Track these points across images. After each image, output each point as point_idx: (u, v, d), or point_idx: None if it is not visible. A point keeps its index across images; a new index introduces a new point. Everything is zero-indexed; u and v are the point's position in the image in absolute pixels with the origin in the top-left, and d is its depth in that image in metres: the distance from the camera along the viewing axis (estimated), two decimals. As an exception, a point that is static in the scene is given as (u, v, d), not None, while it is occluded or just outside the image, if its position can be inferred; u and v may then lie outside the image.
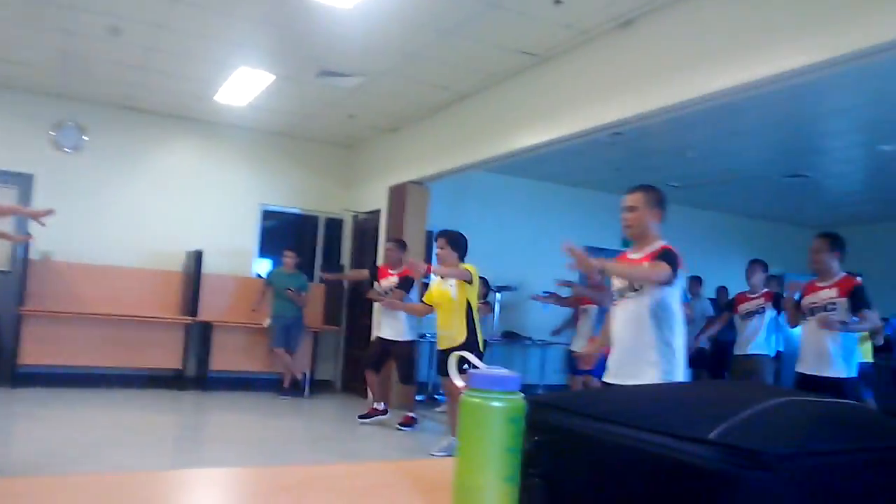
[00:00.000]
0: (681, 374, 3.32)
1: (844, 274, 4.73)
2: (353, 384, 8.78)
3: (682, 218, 8.31)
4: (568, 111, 5.45)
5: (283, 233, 9.36)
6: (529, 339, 9.63)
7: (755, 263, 6.66)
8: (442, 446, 5.64)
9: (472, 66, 6.07)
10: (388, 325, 6.57)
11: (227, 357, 8.35)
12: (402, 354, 6.58)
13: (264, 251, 9.11)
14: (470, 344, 5.15)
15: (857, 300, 4.57)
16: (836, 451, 0.72)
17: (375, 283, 7.02)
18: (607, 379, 3.44)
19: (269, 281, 8.31)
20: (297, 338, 8.24)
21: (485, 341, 5.61)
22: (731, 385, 0.97)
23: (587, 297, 7.37)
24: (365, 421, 6.68)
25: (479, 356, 5.07)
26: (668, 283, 3.22)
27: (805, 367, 4.73)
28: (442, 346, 5.41)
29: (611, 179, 9.58)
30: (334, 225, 9.42)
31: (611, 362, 3.46)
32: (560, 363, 9.91)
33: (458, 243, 5.42)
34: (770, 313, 6.43)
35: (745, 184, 9.19)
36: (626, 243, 10.55)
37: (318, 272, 9.19)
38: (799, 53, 3.82)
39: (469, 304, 5.25)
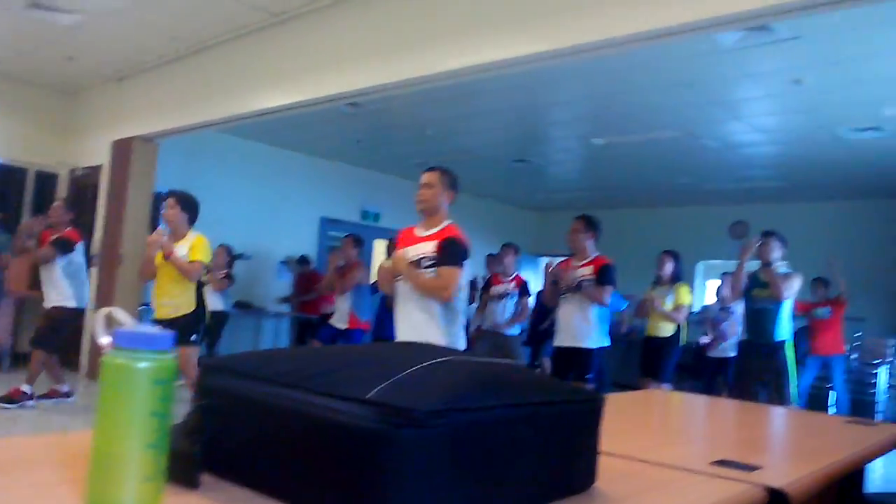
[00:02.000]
0: (462, 338, 3.61)
1: (598, 254, 5.06)
2: (64, 357, 8.00)
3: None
4: (304, 76, 5.36)
5: (-17, 185, 8.22)
6: (263, 309, 9.43)
7: (508, 246, 7.00)
8: None
9: (207, 18, 5.73)
10: (46, 292, 5.80)
11: None
12: (47, 317, 5.80)
13: (-42, 204, 7.95)
14: (197, 316, 4.85)
15: (602, 276, 4.92)
16: (484, 406, 0.74)
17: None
18: None
19: (-38, 239, 7.28)
20: (-6, 304, 7.32)
21: (211, 314, 5.29)
22: (401, 346, 0.97)
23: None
24: (44, 402, 5.85)
25: (203, 329, 4.85)
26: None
27: (561, 340, 5.07)
28: (160, 314, 4.93)
29: (352, 151, 9.64)
30: (47, 179, 8.44)
31: (399, 333, 3.60)
32: (291, 335, 9.86)
33: (189, 205, 4.97)
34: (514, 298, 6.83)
35: (477, 164, 9.70)
36: (365, 215, 10.62)
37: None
38: (524, 43, 4.08)
39: None
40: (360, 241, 6.89)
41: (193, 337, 4.86)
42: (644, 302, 6.70)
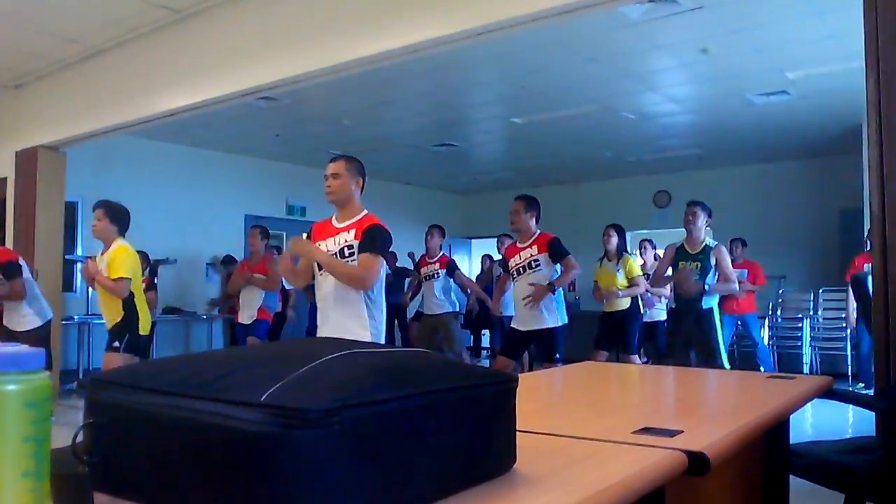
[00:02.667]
0: (383, 329, 3.59)
1: (540, 232, 5.05)
2: None
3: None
4: (213, 73, 5.21)
5: None
6: (194, 313, 9.20)
7: (433, 228, 6.98)
8: None
9: (105, 19, 5.49)
10: (8, 318, 5.59)
11: None
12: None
13: None
14: (127, 323, 4.64)
15: (556, 251, 4.92)
16: (381, 400, 0.70)
17: None
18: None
19: None
20: None
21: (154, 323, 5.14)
22: (301, 343, 0.93)
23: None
24: None
25: (137, 340, 4.65)
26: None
27: (519, 324, 5.05)
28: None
29: (271, 147, 9.47)
30: (-52, 196, 8.02)
31: (319, 322, 3.58)
32: (225, 337, 9.67)
33: (118, 216, 4.70)
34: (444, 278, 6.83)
35: (400, 151, 9.65)
36: (291, 210, 10.48)
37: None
38: (432, 25, 4.06)
39: None
40: (266, 233, 6.78)
41: (116, 343, 4.69)
42: (600, 289, 6.68)
